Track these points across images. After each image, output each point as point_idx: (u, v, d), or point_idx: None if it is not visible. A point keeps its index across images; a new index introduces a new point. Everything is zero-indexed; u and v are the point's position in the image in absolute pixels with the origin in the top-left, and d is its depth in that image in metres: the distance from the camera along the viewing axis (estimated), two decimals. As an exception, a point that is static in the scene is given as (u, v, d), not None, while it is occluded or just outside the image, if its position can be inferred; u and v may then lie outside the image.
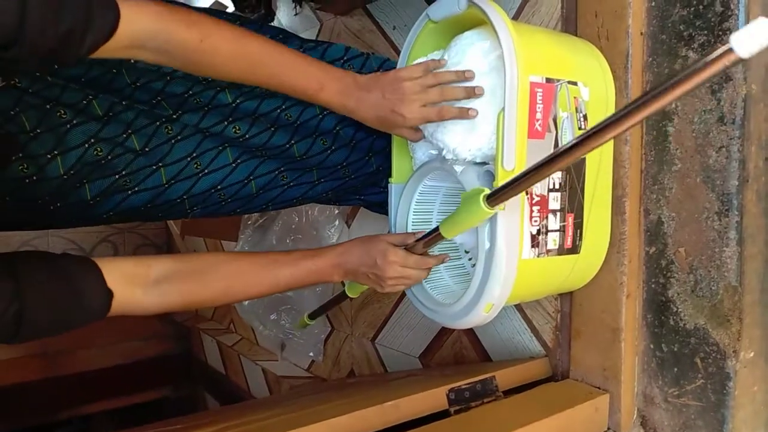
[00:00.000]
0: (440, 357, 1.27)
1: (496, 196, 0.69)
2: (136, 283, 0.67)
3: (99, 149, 0.82)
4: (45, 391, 2.16)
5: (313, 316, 1.26)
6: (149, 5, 0.63)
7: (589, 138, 0.57)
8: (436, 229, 0.77)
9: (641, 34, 0.86)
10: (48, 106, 0.79)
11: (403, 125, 0.80)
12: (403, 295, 1.36)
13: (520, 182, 0.66)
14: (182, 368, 2.40)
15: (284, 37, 0.99)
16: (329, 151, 1.02)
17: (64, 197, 0.80)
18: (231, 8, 1.89)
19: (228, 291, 0.76)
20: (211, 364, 2.26)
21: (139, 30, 0.62)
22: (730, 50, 0.42)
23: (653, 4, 0.85)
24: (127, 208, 0.84)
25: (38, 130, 0.78)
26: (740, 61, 0.42)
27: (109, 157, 0.83)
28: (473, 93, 0.76)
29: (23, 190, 0.78)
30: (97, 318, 0.64)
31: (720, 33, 0.78)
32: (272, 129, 0.96)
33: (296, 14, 1.71)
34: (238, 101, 0.93)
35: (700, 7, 0.80)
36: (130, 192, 0.84)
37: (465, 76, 0.77)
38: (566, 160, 0.60)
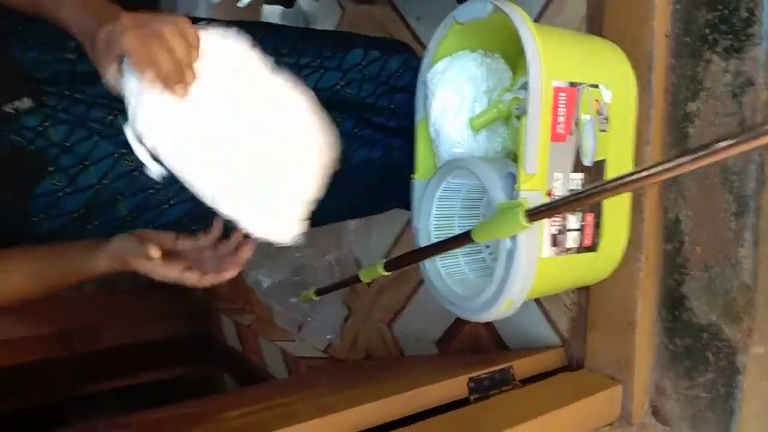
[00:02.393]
0: (457, 344, 1.32)
1: (537, 214, 0.70)
2: None
3: (129, 160, 0.84)
4: (65, 369, 2.22)
5: (319, 292, 1.27)
6: None
7: (647, 174, 0.58)
8: (468, 232, 0.80)
9: (666, 36, 0.87)
10: (76, 121, 0.81)
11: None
12: (422, 281, 1.39)
13: (564, 205, 0.68)
14: (201, 347, 2.47)
15: (308, 39, 1.01)
16: (350, 152, 1.06)
17: (100, 213, 0.83)
18: (251, -7, 1.90)
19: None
20: (229, 343, 2.32)
21: None
22: None
23: (678, 6, 0.86)
24: (165, 222, 0.86)
25: (66, 144, 0.80)
26: None
27: (141, 170, 0.86)
28: (184, 76, 0.66)
29: (57, 205, 0.81)
30: None
31: (744, 38, 0.79)
32: None
33: (317, 0, 1.72)
34: None
35: (726, 11, 0.81)
36: (165, 206, 0.86)
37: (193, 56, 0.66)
38: (615, 191, 0.62)
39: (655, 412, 0.94)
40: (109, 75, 0.66)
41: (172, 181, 0.88)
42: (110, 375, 2.32)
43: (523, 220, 0.72)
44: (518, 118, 0.87)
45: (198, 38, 0.67)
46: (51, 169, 0.80)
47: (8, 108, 0.75)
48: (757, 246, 0.82)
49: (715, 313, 0.87)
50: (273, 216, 0.67)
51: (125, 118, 0.81)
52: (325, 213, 1.10)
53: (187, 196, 0.88)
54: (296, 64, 0.98)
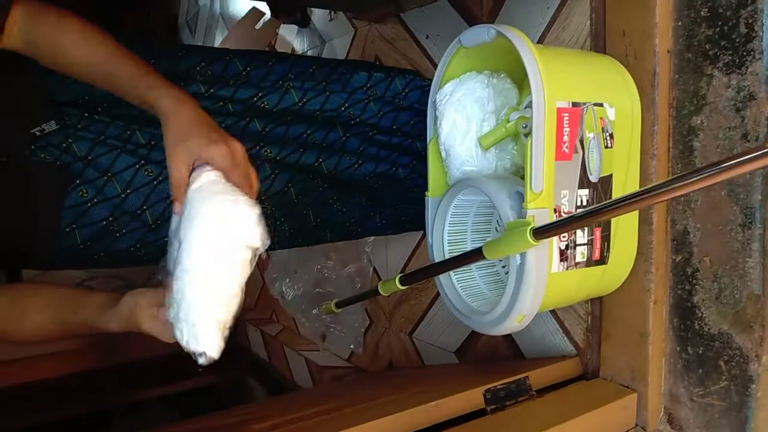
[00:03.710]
0: (475, 353, 1.34)
1: (543, 232, 0.72)
2: None
3: (149, 170, 0.91)
4: (97, 380, 2.33)
5: (339, 305, 1.31)
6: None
7: (649, 195, 0.60)
8: (480, 249, 0.83)
9: (668, 52, 0.89)
10: (96, 138, 0.88)
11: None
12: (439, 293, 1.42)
13: (569, 224, 0.70)
14: (229, 357, 2.52)
15: (318, 67, 1.06)
16: (356, 166, 1.10)
17: (127, 221, 0.89)
18: (268, 14, 1.96)
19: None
20: (255, 352, 2.38)
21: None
22: None
23: (680, 23, 0.88)
24: None
25: (89, 158, 0.87)
26: None
27: (161, 179, 0.92)
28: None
29: (87, 214, 0.87)
30: None
31: (744, 54, 0.81)
32: (301, 150, 1.04)
33: (331, 20, 1.76)
34: (267, 129, 1.01)
35: (725, 27, 0.83)
36: None
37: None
38: (616, 212, 0.64)
39: (670, 419, 0.96)
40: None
41: None
42: (143, 385, 2.41)
43: (530, 239, 0.75)
44: (526, 135, 0.90)
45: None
46: (78, 181, 0.87)
47: (35, 130, 0.82)
48: (765, 256, 0.83)
49: (725, 322, 0.88)
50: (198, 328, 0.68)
51: (143, 134, 0.89)
52: (340, 229, 1.14)
53: None
54: (302, 87, 1.03)
